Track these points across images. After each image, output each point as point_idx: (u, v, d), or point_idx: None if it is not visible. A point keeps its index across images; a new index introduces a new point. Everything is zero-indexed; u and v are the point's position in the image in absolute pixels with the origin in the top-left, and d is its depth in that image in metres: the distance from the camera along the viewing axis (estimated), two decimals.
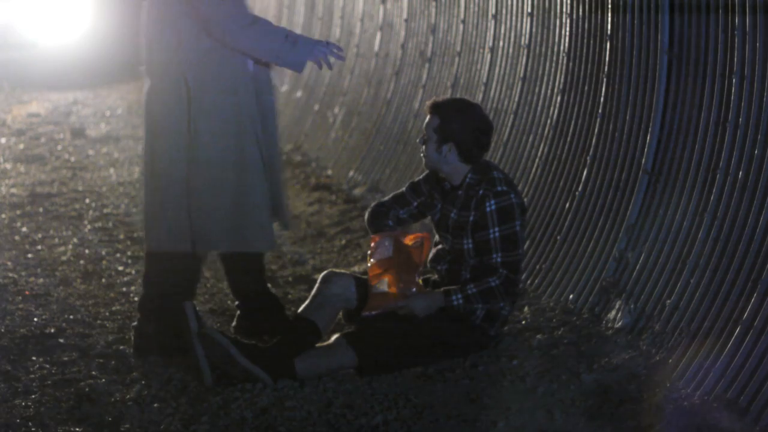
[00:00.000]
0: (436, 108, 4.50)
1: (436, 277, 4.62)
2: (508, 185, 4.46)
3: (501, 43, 6.51)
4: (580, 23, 5.51)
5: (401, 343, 4.35)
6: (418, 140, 4.66)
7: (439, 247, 4.59)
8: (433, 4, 7.68)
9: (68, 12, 17.37)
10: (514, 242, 4.40)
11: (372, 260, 4.49)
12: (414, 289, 4.41)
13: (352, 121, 8.91)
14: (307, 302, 4.47)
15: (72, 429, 3.90)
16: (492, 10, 6.65)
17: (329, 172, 8.67)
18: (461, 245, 4.46)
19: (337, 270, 4.61)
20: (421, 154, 4.55)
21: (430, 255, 4.63)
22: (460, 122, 4.46)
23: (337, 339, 4.34)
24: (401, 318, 4.38)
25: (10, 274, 5.74)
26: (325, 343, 4.36)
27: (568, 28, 5.65)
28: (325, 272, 4.57)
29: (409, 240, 4.53)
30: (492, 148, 6.26)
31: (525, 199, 5.57)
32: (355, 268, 6.00)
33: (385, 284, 4.41)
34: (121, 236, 6.71)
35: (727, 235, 4.10)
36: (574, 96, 5.50)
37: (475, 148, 4.47)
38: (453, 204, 4.50)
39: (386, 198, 4.74)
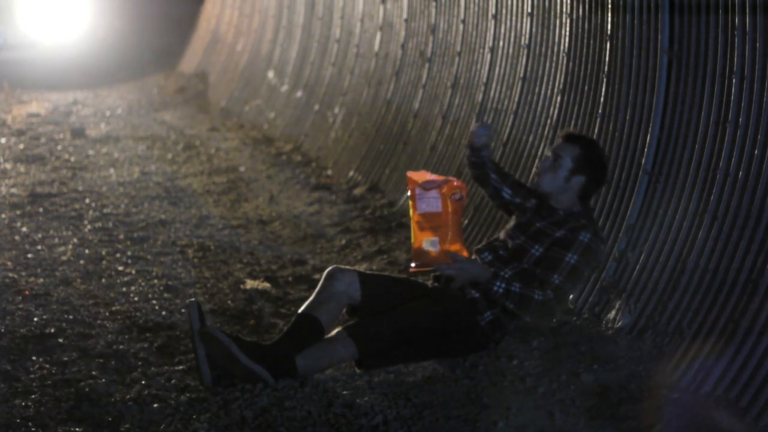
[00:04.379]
0: (578, 139, 4.61)
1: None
2: (604, 240, 4.60)
3: (501, 43, 6.51)
4: (580, 23, 5.51)
5: (402, 335, 4.35)
6: (540, 162, 4.65)
7: (495, 239, 4.64)
8: (433, 4, 7.68)
9: (68, 12, 17.38)
10: (577, 278, 4.47)
11: (417, 210, 4.44)
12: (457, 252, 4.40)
13: (352, 121, 8.91)
14: (311, 299, 4.46)
15: (72, 429, 3.90)
16: (492, 10, 6.65)
17: (329, 172, 8.67)
18: (529, 248, 4.52)
19: (342, 267, 4.61)
20: (538, 172, 4.60)
21: (481, 244, 4.68)
22: (599, 162, 4.59)
23: (337, 332, 4.33)
24: (402, 309, 4.39)
25: (10, 274, 5.74)
26: (326, 337, 4.35)
27: (568, 28, 5.66)
28: (329, 268, 4.56)
29: (450, 190, 4.44)
30: (491, 147, 6.28)
31: None
32: (355, 269, 6.00)
33: (436, 244, 4.38)
34: (121, 236, 6.71)
35: (727, 235, 4.10)
36: (574, 96, 5.50)
37: (594, 190, 4.63)
38: (545, 217, 4.58)
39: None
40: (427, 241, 4.40)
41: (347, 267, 4.66)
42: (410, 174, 4.52)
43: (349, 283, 4.49)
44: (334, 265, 4.65)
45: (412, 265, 4.44)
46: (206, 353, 4.20)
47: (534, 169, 4.66)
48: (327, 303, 4.42)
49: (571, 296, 4.55)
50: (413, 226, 4.44)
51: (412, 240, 4.45)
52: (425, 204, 4.42)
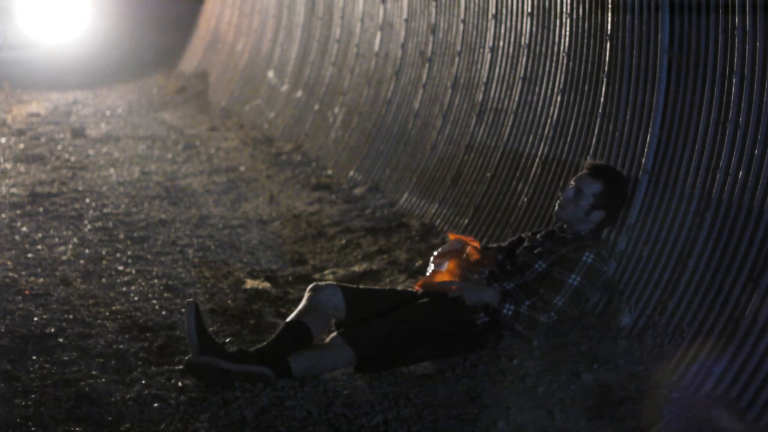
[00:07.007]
0: (602, 173, 4.62)
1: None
2: (608, 261, 4.58)
3: (501, 43, 6.51)
4: (580, 23, 5.51)
5: (399, 337, 4.34)
6: (563, 191, 4.66)
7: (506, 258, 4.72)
8: (433, 4, 7.68)
9: (68, 12, 17.39)
10: (580, 299, 4.48)
11: (440, 250, 4.67)
12: (474, 276, 4.53)
13: (352, 121, 8.91)
14: (296, 310, 4.46)
15: (72, 429, 3.90)
16: (492, 10, 6.65)
17: (329, 172, 8.67)
18: (533, 263, 4.55)
19: (321, 282, 4.62)
20: (560, 203, 4.63)
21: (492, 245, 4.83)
22: (621, 198, 4.64)
23: (333, 338, 4.33)
24: (396, 312, 4.39)
25: (10, 274, 5.74)
26: (322, 343, 4.34)
27: (568, 28, 5.66)
28: (311, 284, 4.58)
29: (477, 245, 4.67)
30: (491, 147, 6.28)
31: (525, 200, 5.58)
32: (355, 268, 6.00)
33: (445, 265, 4.52)
34: (121, 236, 6.71)
35: (728, 235, 4.10)
36: (574, 96, 5.50)
37: (611, 224, 4.68)
38: (554, 241, 4.63)
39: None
40: (438, 264, 4.61)
41: (328, 282, 4.69)
42: (451, 235, 4.82)
43: (332, 294, 4.50)
44: (315, 282, 4.66)
45: (418, 285, 4.59)
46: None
47: (556, 200, 4.71)
48: (313, 312, 4.42)
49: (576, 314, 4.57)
50: (433, 260, 4.66)
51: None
52: (448, 246, 4.68)
